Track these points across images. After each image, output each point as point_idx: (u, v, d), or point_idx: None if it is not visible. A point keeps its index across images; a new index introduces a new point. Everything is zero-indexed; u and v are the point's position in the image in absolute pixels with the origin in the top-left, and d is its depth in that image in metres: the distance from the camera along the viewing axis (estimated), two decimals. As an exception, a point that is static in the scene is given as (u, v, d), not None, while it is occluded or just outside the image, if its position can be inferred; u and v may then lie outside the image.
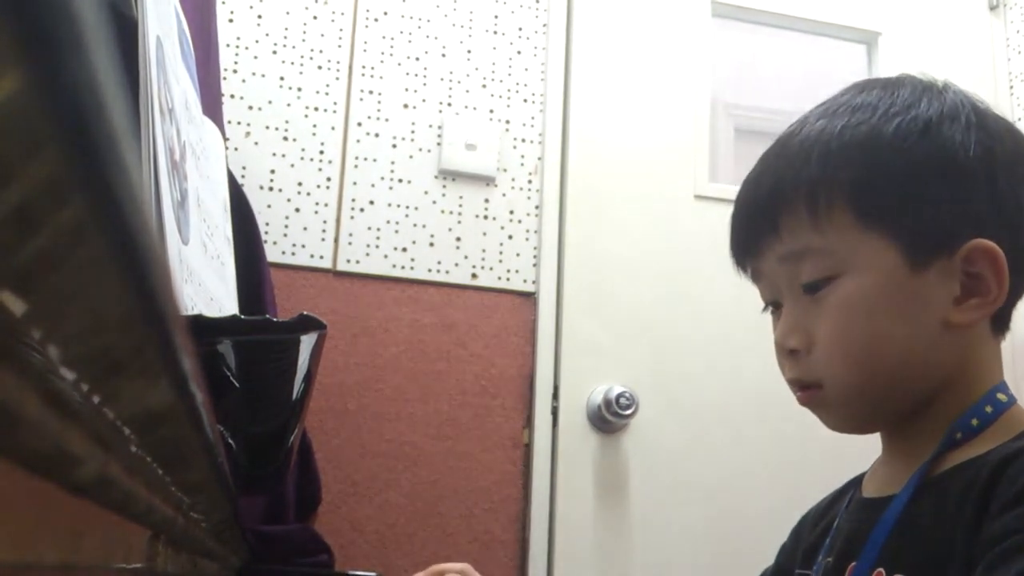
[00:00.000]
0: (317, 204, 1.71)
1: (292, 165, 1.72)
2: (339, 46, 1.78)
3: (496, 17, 1.87)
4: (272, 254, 1.64)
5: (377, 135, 1.77)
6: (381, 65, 1.80)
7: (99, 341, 0.21)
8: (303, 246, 1.69)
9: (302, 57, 1.75)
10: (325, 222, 1.71)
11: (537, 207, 1.82)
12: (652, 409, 1.75)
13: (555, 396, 1.74)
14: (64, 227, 0.16)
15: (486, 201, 1.80)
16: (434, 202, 1.77)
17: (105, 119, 0.15)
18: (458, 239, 1.77)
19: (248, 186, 1.65)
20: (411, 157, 1.78)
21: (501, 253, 1.78)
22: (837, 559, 0.65)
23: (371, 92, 1.78)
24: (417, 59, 1.81)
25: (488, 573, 1.65)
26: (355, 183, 1.74)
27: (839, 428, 0.68)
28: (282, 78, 1.74)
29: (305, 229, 1.70)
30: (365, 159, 1.76)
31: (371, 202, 1.74)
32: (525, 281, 1.78)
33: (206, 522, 0.51)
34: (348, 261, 1.71)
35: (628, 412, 1.70)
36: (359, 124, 1.77)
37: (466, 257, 1.76)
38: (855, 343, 0.63)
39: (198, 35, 1.04)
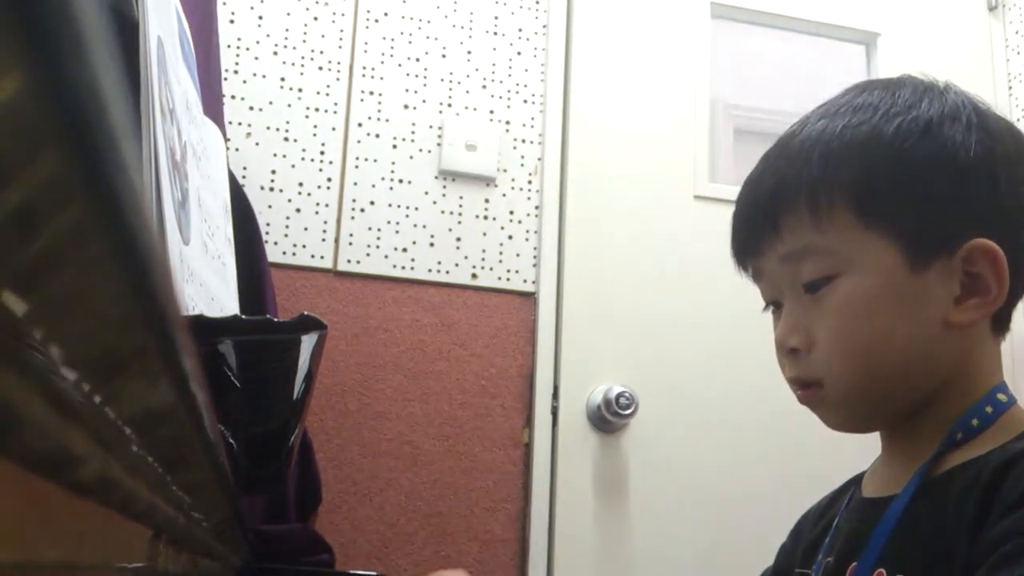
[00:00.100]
0: (318, 204, 1.71)
1: (293, 166, 1.72)
2: (340, 47, 1.78)
3: (496, 18, 1.87)
4: (273, 254, 1.64)
5: (377, 136, 1.77)
6: (381, 66, 1.80)
7: (100, 341, 0.21)
8: (304, 246, 1.70)
9: (303, 58, 1.75)
10: (326, 222, 1.71)
11: (537, 207, 1.82)
12: (652, 409, 1.75)
13: (555, 396, 1.74)
14: (65, 227, 0.16)
15: (486, 201, 1.80)
16: (434, 202, 1.77)
17: (106, 119, 0.15)
18: (458, 239, 1.77)
19: (249, 186, 1.65)
20: (411, 157, 1.78)
21: (501, 253, 1.78)
22: (837, 559, 0.65)
23: (371, 93, 1.78)
24: (417, 60, 1.81)
25: (488, 573, 1.65)
26: (356, 183, 1.74)
27: (839, 427, 0.68)
28: (283, 79, 1.74)
29: (306, 229, 1.70)
30: (366, 159, 1.76)
31: (371, 202, 1.74)
32: (525, 281, 1.78)
33: (207, 522, 0.51)
34: (348, 261, 1.71)
35: (628, 412, 1.70)
36: (359, 125, 1.77)
37: (466, 257, 1.77)
38: (855, 342, 0.63)
39: (199, 36, 1.04)
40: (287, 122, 1.73)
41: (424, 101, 1.81)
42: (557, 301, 1.79)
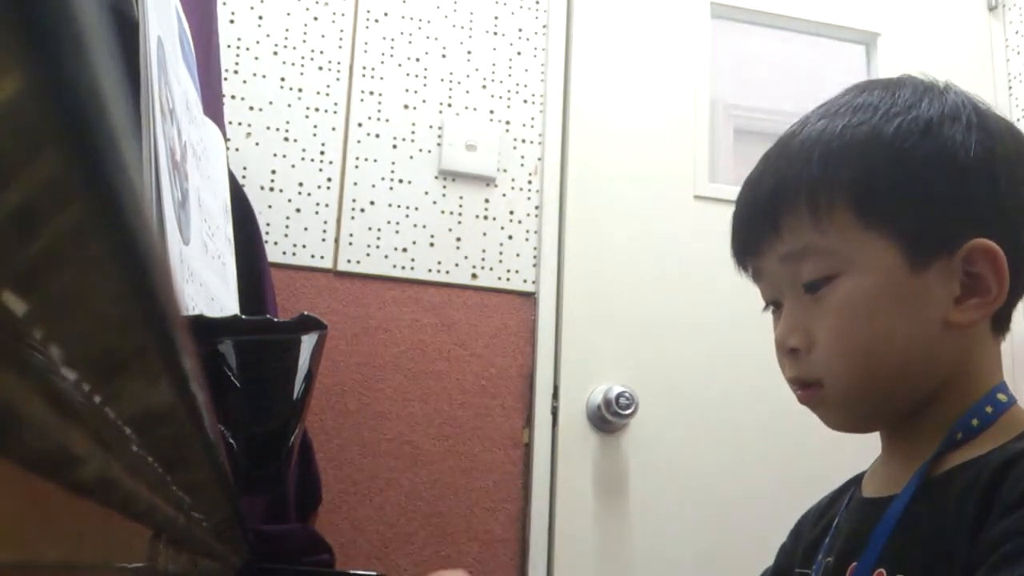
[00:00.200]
0: (318, 204, 1.71)
1: (293, 166, 1.72)
2: (340, 47, 1.78)
3: (496, 18, 1.87)
4: (273, 254, 1.64)
5: (377, 136, 1.77)
6: (381, 66, 1.80)
7: (100, 341, 0.21)
8: (304, 246, 1.70)
9: (303, 58, 1.75)
10: (326, 222, 1.71)
11: (537, 207, 1.82)
12: (652, 409, 1.75)
13: (555, 396, 1.74)
14: (65, 227, 0.16)
15: (486, 201, 1.80)
16: (434, 202, 1.77)
17: (106, 119, 0.15)
18: (458, 239, 1.77)
19: (249, 186, 1.65)
20: (411, 157, 1.78)
21: (501, 253, 1.78)
22: (837, 559, 0.65)
23: (371, 93, 1.78)
24: (417, 60, 1.81)
25: (488, 573, 1.65)
26: (356, 183, 1.74)
27: (839, 427, 0.68)
28: (283, 79, 1.74)
29: (306, 229, 1.70)
30: (366, 159, 1.76)
31: (371, 202, 1.74)
32: (525, 281, 1.78)
33: (207, 522, 0.51)
34: (348, 261, 1.71)
35: (628, 412, 1.70)
36: (359, 125, 1.77)
37: (466, 257, 1.77)
38: (855, 342, 0.63)
39: (199, 36, 1.04)
40: (287, 122, 1.73)
41: (424, 101, 1.81)
42: (557, 301, 1.79)
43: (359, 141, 1.76)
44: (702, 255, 1.82)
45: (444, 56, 1.83)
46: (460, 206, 1.78)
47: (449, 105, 1.81)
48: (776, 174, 0.67)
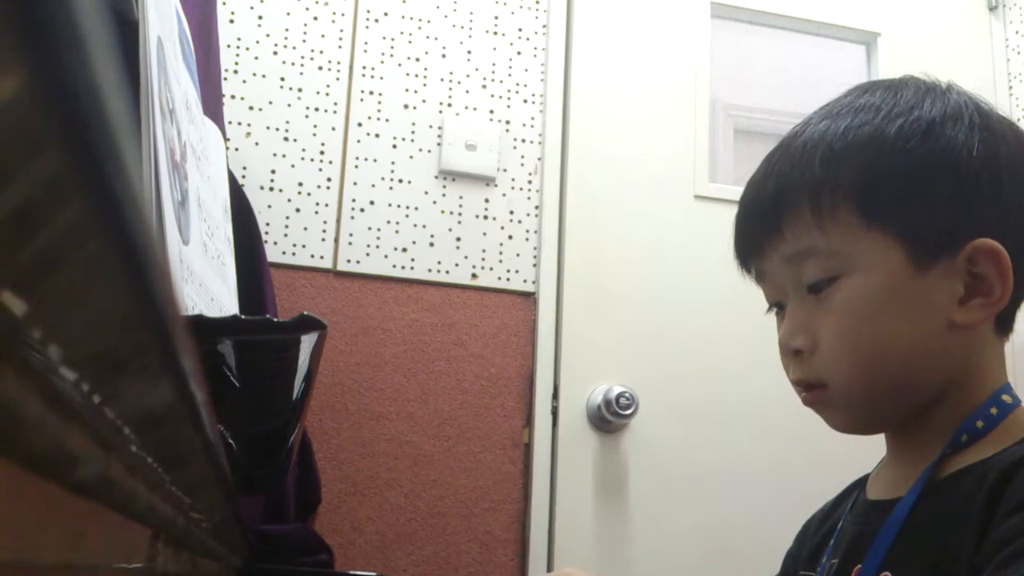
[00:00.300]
0: (317, 204, 1.71)
1: (292, 165, 1.72)
2: (339, 47, 1.78)
3: (496, 18, 1.87)
4: (272, 254, 1.64)
5: (377, 135, 1.77)
6: (381, 66, 1.80)
7: (100, 341, 0.21)
8: (303, 246, 1.70)
9: (303, 58, 1.75)
10: (325, 222, 1.71)
11: (537, 207, 1.82)
12: (652, 409, 1.75)
13: (555, 396, 1.74)
14: (65, 227, 0.16)
15: (486, 201, 1.80)
16: (434, 202, 1.77)
17: (105, 119, 0.15)
18: (458, 239, 1.77)
19: (249, 186, 1.65)
20: (411, 157, 1.78)
21: (501, 253, 1.78)
22: (842, 561, 0.65)
23: (371, 93, 1.78)
24: (417, 60, 1.81)
25: (488, 573, 1.65)
26: (355, 183, 1.74)
27: (844, 429, 0.68)
28: (283, 79, 1.74)
29: (305, 229, 1.70)
30: (365, 159, 1.76)
31: (371, 202, 1.74)
32: (525, 281, 1.78)
33: (207, 522, 0.51)
34: (348, 261, 1.71)
35: (628, 412, 1.70)
36: (359, 124, 1.77)
37: (466, 257, 1.77)
38: (859, 343, 0.63)
39: (199, 36, 1.04)
40: (287, 122, 1.73)
41: (424, 101, 1.81)
42: (557, 301, 1.79)
43: (359, 141, 1.76)
44: (702, 255, 1.82)
45: (444, 56, 1.83)
46: (460, 206, 1.78)
47: (449, 105, 1.81)
48: (779, 175, 0.67)
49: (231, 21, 1.73)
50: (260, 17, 1.75)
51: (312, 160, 1.73)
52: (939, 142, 0.62)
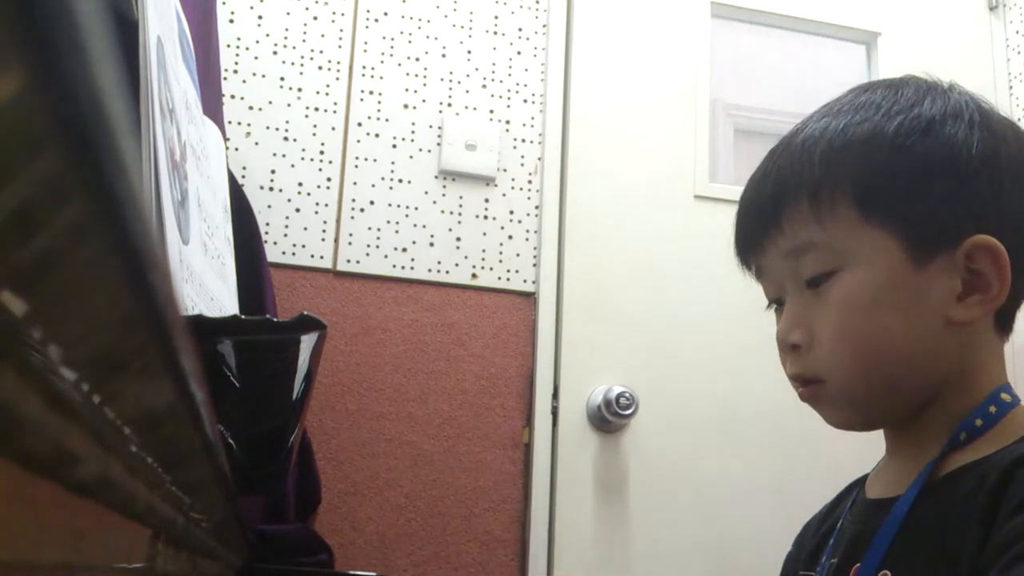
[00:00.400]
0: (317, 204, 1.71)
1: (292, 165, 1.72)
2: (339, 47, 1.78)
3: (496, 17, 1.87)
4: (272, 254, 1.64)
5: (377, 135, 1.77)
6: (381, 65, 1.80)
7: (100, 341, 0.21)
8: (303, 246, 1.70)
9: (302, 58, 1.75)
10: (325, 222, 1.71)
11: (537, 207, 1.82)
12: (652, 409, 1.75)
13: (555, 396, 1.74)
14: (64, 227, 0.16)
15: (486, 201, 1.80)
16: (434, 202, 1.77)
17: (105, 119, 0.15)
18: (458, 239, 1.77)
19: (248, 186, 1.65)
20: (411, 157, 1.78)
21: (501, 253, 1.78)
22: (841, 560, 0.65)
23: (371, 92, 1.78)
24: (417, 59, 1.81)
25: (488, 573, 1.65)
26: (355, 183, 1.74)
27: (841, 425, 0.68)
28: (282, 78, 1.74)
29: (305, 229, 1.70)
30: (365, 159, 1.76)
31: (371, 202, 1.74)
32: (525, 281, 1.78)
33: (206, 522, 0.51)
34: (348, 261, 1.71)
35: (628, 412, 1.70)
36: (359, 124, 1.77)
37: (466, 257, 1.77)
38: (856, 337, 0.63)
39: (199, 35, 1.04)
40: (287, 122, 1.73)
41: (424, 101, 1.81)
42: (557, 301, 1.79)
43: (359, 141, 1.76)
44: (702, 255, 1.82)
45: (444, 56, 1.83)
46: (460, 206, 1.78)
47: (449, 105, 1.81)
48: (779, 171, 0.67)
49: (231, 21, 1.72)
50: (260, 17, 1.75)
51: (312, 160, 1.73)
52: (939, 140, 0.63)
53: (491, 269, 1.77)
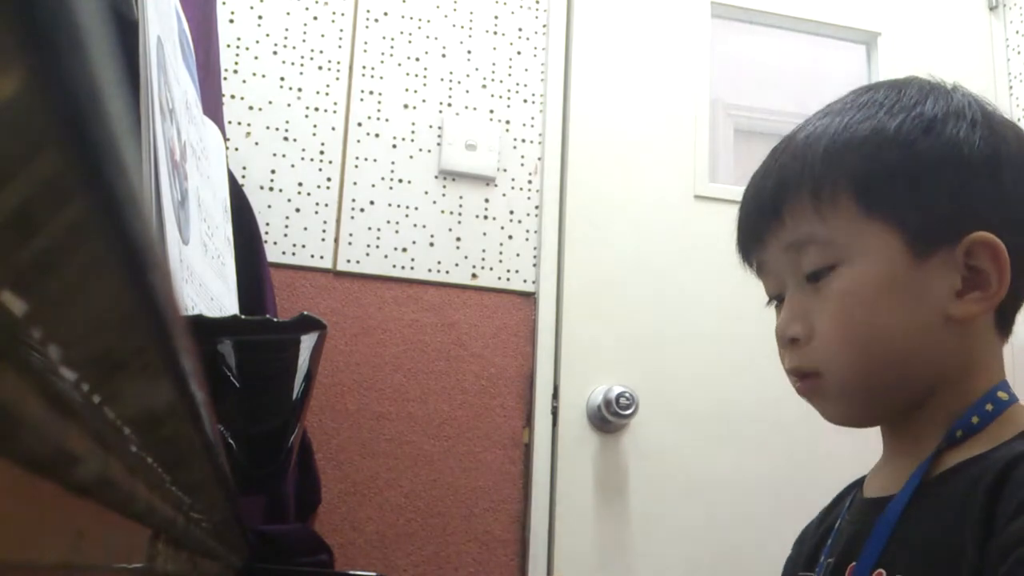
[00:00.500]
0: (317, 204, 1.71)
1: (292, 165, 1.72)
2: (339, 46, 1.78)
3: (496, 17, 1.87)
4: (272, 254, 1.64)
5: (377, 135, 1.77)
6: (381, 65, 1.80)
7: (100, 341, 0.21)
8: (303, 246, 1.70)
9: (302, 57, 1.75)
10: (325, 222, 1.71)
11: (537, 207, 1.82)
12: (652, 409, 1.75)
13: (555, 396, 1.74)
14: (64, 227, 0.16)
15: (486, 201, 1.80)
16: (434, 202, 1.77)
17: (105, 119, 0.15)
18: (458, 239, 1.77)
19: (248, 186, 1.65)
20: (411, 157, 1.78)
21: (501, 253, 1.78)
22: (838, 560, 0.65)
23: (371, 92, 1.78)
24: (417, 59, 1.81)
25: (488, 573, 1.65)
26: (355, 183, 1.74)
27: (837, 420, 0.68)
28: (282, 78, 1.74)
29: (305, 229, 1.70)
30: (365, 159, 1.76)
31: (371, 202, 1.74)
32: (525, 281, 1.78)
33: (207, 522, 0.51)
34: (348, 261, 1.71)
35: (628, 412, 1.70)
36: (359, 124, 1.77)
37: (466, 257, 1.77)
38: (854, 330, 0.63)
39: (199, 35, 1.04)
40: (287, 122, 1.73)
41: (424, 101, 1.81)
42: (557, 301, 1.79)
43: (359, 141, 1.76)
44: (702, 255, 1.82)
45: (444, 56, 1.83)
46: (460, 206, 1.78)
47: (449, 105, 1.81)
48: (781, 167, 0.67)
49: (231, 21, 1.72)
50: (260, 17, 1.75)
51: (312, 160, 1.73)
52: (940, 138, 0.63)
53: (491, 269, 1.77)
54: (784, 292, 0.68)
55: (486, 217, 1.79)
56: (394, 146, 1.78)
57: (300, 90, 1.74)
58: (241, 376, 0.63)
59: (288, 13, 1.76)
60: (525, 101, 1.85)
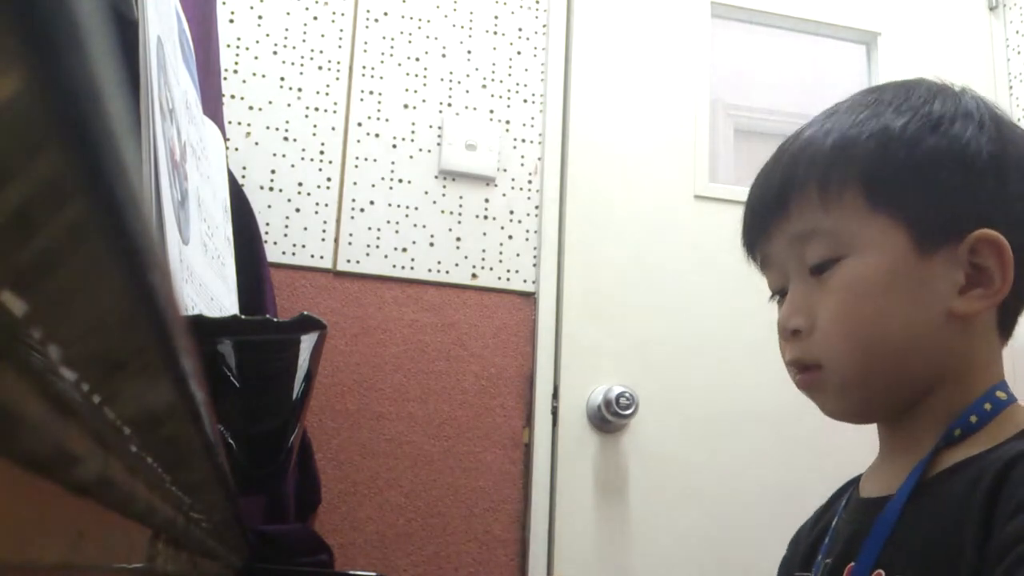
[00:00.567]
0: (317, 204, 1.71)
1: (292, 165, 1.72)
2: (339, 47, 1.78)
3: (496, 17, 1.87)
4: (272, 254, 1.64)
5: (377, 135, 1.77)
6: (381, 65, 1.80)
7: (100, 341, 0.21)
8: (303, 246, 1.70)
9: (302, 57, 1.75)
10: (325, 222, 1.71)
11: (537, 207, 1.82)
12: (652, 409, 1.75)
13: (555, 396, 1.74)
14: (64, 227, 0.16)
15: (486, 201, 1.80)
16: (434, 202, 1.77)
17: (105, 119, 0.15)
18: (458, 239, 1.77)
19: (248, 186, 1.65)
20: (411, 157, 1.78)
21: (501, 253, 1.78)
22: (836, 560, 0.65)
23: (371, 92, 1.78)
24: (417, 59, 1.81)
25: (488, 573, 1.65)
26: (355, 183, 1.74)
27: (836, 414, 0.68)
28: (282, 78, 1.74)
29: (305, 229, 1.70)
30: (365, 159, 1.76)
31: (371, 202, 1.74)
32: (525, 281, 1.78)
33: (207, 522, 0.51)
34: (348, 261, 1.71)
35: (628, 412, 1.70)
36: (359, 124, 1.77)
37: (466, 257, 1.77)
38: (856, 323, 0.63)
39: (199, 35, 1.04)
40: (287, 122, 1.73)
41: (424, 101, 1.81)
42: (557, 301, 1.79)
43: (359, 141, 1.76)
44: (702, 255, 1.82)
45: (444, 56, 1.83)
46: (460, 206, 1.78)
47: (449, 105, 1.81)
48: (788, 161, 0.68)
49: (231, 21, 1.72)
50: (260, 17, 1.75)
51: (312, 160, 1.73)
52: (947, 136, 0.63)
53: (491, 269, 1.77)
54: (787, 287, 0.69)
55: (486, 217, 1.79)
56: (394, 146, 1.78)
57: (300, 90, 1.74)
58: (241, 376, 0.63)
59: (288, 13, 1.76)
60: (525, 101, 1.85)
